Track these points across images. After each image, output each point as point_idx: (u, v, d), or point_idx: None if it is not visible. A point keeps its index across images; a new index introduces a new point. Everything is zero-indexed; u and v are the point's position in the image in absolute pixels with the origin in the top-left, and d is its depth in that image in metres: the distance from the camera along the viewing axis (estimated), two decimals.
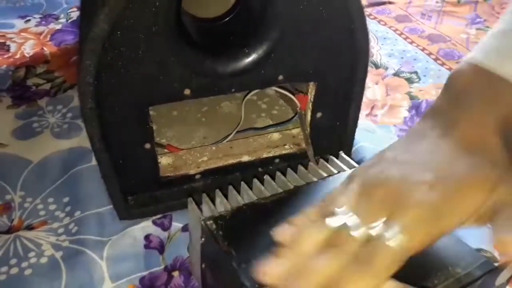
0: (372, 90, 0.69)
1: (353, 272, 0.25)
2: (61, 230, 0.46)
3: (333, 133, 0.51)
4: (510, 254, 0.25)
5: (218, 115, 0.58)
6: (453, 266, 0.30)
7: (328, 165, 0.41)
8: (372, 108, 0.66)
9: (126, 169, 0.44)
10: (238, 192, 0.38)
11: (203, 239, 0.33)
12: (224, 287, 0.33)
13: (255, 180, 0.39)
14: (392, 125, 0.63)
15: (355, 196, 0.28)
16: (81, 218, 0.48)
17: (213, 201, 0.36)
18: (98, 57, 0.36)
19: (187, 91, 0.41)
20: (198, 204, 0.37)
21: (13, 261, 0.43)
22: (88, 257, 0.44)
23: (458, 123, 0.30)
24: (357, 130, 0.52)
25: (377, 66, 0.75)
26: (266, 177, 0.39)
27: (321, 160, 0.42)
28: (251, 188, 0.38)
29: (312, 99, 0.48)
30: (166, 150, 0.50)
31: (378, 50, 0.80)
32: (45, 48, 0.74)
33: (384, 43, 0.82)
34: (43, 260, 0.44)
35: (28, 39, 0.77)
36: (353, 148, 0.55)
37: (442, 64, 0.76)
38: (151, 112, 0.42)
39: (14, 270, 0.43)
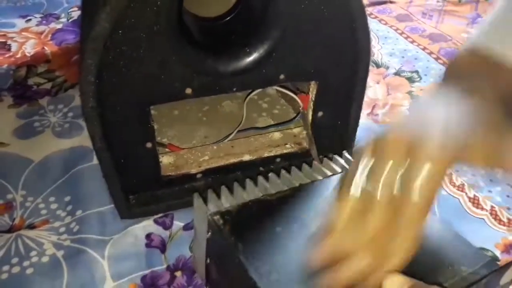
0: (373, 90, 0.69)
1: (388, 231, 0.27)
2: (62, 229, 0.47)
3: (335, 132, 0.51)
4: None
5: (219, 114, 0.58)
6: (459, 265, 0.31)
7: (332, 164, 0.41)
8: (373, 107, 0.66)
9: (128, 168, 0.44)
10: (244, 188, 0.38)
11: (209, 233, 0.33)
12: (230, 282, 0.33)
13: (260, 178, 0.39)
14: None
15: (370, 161, 0.29)
16: (83, 217, 0.48)
17: (218, 197, 0.36)
18: (99, 56, 0.36)
19: (188, 90, 0.41)
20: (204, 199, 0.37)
21: (15, 260, 0.43)
22: (90, 256, 0.44)
23: (464, 98, 0.32)
24: (358, 129, 0.52)
25: (378, 66, 0.75)
26: (271, 174, 0.39)
27: (325, 159, 0.42)
28: (256, 185, 0.39)
29: (313, 98, 0.48)
30: (167, 149, 0.50)
31: (379, 50, 0.80)
32: (46, 48, 0.74)
33: (385, 42, 0.82)
34: (45, 259, 0.44)
35: (29, 39, 0.77)
36: (354, 147, 0.55)
37: (443, 64, 0.76)
38: (152, 112, 0.42)
39: (16, 269, 0.43)
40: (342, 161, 0.42)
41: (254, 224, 0.33)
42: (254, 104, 0.59)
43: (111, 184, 0.45)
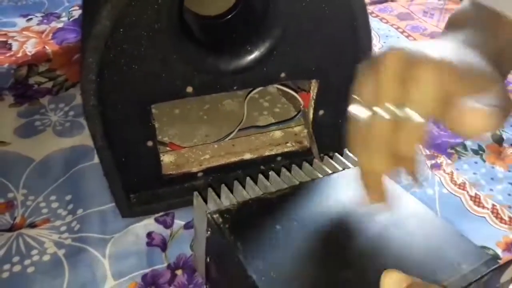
0: None
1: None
2: (63, 228, 0.47)
3: (335, 130, 0.51)
4: None
5: (220, 113, 0.58)
6: (459, 263, 0.30)
7: (333, 162, 0.41)
8: None
9: (129, 167, 0.44)
10: (243, 187, 0.38)
11: (208, 232, 0.33)
12: (229, 280, 0.33)
13: (261, 176, 0.39)
14: None
15: (371, 84, 0.31)
16: (84, 216, 0.48)
17: (218, 196, 0.36)
18: (100, 55, 0.36)
19: (189, 89, 0.41)
20: (204, 198, 0.37)
21: (16, 259, 0.43)
22: (91, 255, 0.44)
23: (461, 48, 0.32)
24: None
25: None
26: (272, 173, 0.39)
27: (326, 157, 0.42)
28: (256, 184, 0.39)
29: (314, 97, 0.48)
30: (168, 148, 0.50)
31: (380, 48, 0.80)
32: (47, 47, 0.74)
33: (386, 41, 0.82)
34: (46, 258, 0.44)
35: (30, 38, 0.77)
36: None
37: None
38: (153, 110, 0.42)
39: (17, 268, 0.43)
40: (343, 159, 0.42)
41: (254, 223, 0.33)
42: (255, 103, 0.59)
43: (112, 183, 0.45)
